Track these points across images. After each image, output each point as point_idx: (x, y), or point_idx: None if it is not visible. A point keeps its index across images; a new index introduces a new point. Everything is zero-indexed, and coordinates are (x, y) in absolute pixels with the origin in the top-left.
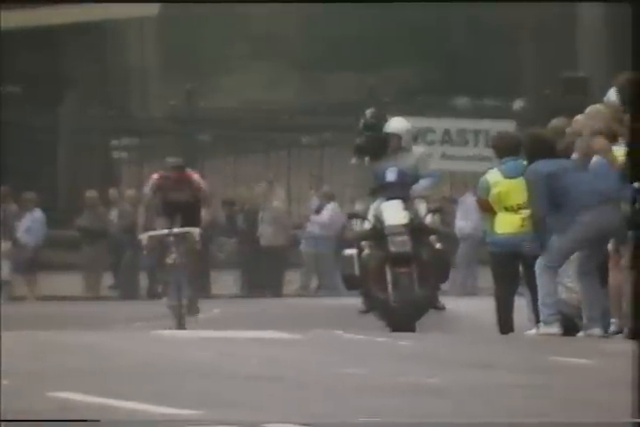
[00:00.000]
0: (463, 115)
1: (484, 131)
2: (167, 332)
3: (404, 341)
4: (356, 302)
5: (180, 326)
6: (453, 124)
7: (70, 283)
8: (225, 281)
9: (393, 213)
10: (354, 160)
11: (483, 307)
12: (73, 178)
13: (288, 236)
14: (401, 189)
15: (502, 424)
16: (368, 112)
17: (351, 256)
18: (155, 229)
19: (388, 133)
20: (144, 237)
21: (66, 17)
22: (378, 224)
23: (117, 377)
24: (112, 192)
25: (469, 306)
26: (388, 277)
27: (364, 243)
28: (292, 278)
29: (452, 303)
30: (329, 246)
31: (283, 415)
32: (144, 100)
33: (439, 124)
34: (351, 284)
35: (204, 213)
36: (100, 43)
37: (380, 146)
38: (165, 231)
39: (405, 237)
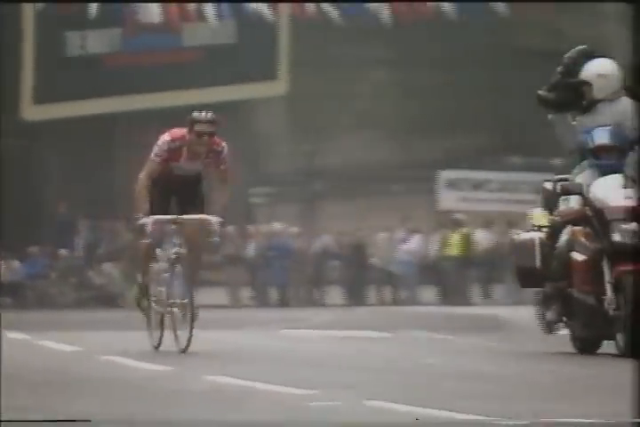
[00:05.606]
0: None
1: (530, 182)
2: (291, 331)
3: None
4: None
5: (176, 339)
6: (507, 176)
7: (218, 295)
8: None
9: (614, 190)
10: (550, 116)
11: None
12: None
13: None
14: (617, 157)
15: (503, 424)
16: (569, 51)
17: (530, 242)
18: (157, 213)
19: (578, 81)
20: (149, 221)
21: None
22: (596, 204)
23: (256, 364)
24: (250, 228)
25: None
26: (606, 276)
27: (565, 227)
28: None
29: None
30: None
31: (373, 394)
32: (274, 159)
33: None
34: (529, 280)
35: (220, 196)
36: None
37: (567, 96)
38: (171, 217)
39: (635, 225)
